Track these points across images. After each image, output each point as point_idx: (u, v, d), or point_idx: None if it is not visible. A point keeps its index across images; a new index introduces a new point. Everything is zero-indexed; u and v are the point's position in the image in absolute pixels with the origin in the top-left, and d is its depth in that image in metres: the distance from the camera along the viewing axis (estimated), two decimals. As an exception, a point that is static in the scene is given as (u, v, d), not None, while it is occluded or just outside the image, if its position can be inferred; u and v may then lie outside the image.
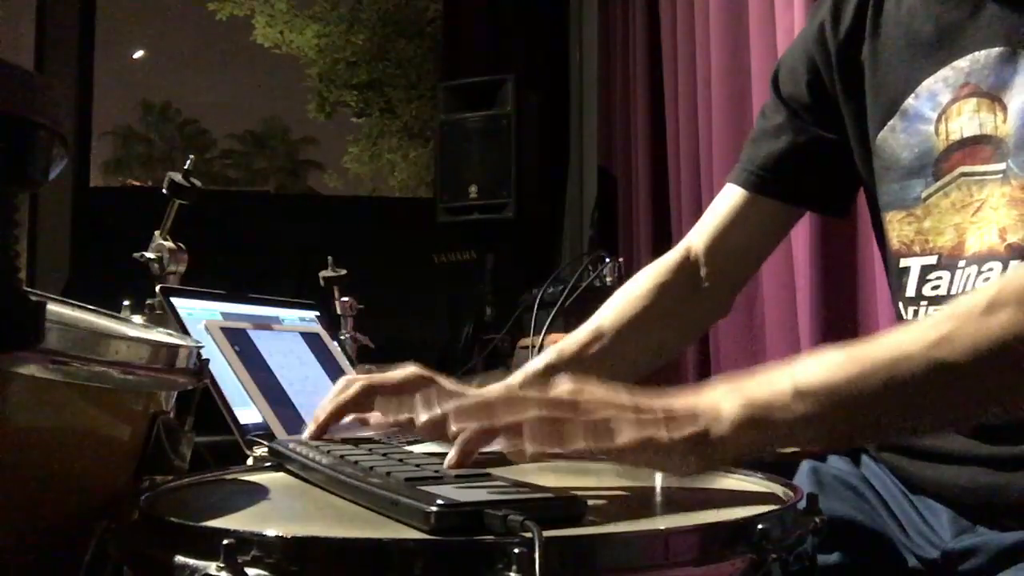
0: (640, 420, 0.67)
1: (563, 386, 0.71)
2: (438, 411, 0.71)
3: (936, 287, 0.90)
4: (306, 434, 0.90)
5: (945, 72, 0.90)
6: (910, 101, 0.93)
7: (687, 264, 1.12)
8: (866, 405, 0.67)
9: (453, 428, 0.69)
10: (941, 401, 0.68)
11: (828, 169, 1.06)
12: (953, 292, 0.88)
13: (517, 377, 1.00)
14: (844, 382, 0.67)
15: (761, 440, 0.68)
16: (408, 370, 0.95)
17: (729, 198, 1.11)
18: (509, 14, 4.21)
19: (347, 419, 0.91)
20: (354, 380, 0.92)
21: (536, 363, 1.03)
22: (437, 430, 0.73)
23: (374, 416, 0.91)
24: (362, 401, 0.91)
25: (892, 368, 0.67)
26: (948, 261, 0.89)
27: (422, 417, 0.72)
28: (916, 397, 0.67)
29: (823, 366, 0.69)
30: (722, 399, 0.69)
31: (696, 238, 1.13)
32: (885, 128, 0.95)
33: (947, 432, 0.87)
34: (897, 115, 0.94)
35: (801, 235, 2.02)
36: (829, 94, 1.03)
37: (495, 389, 0.73)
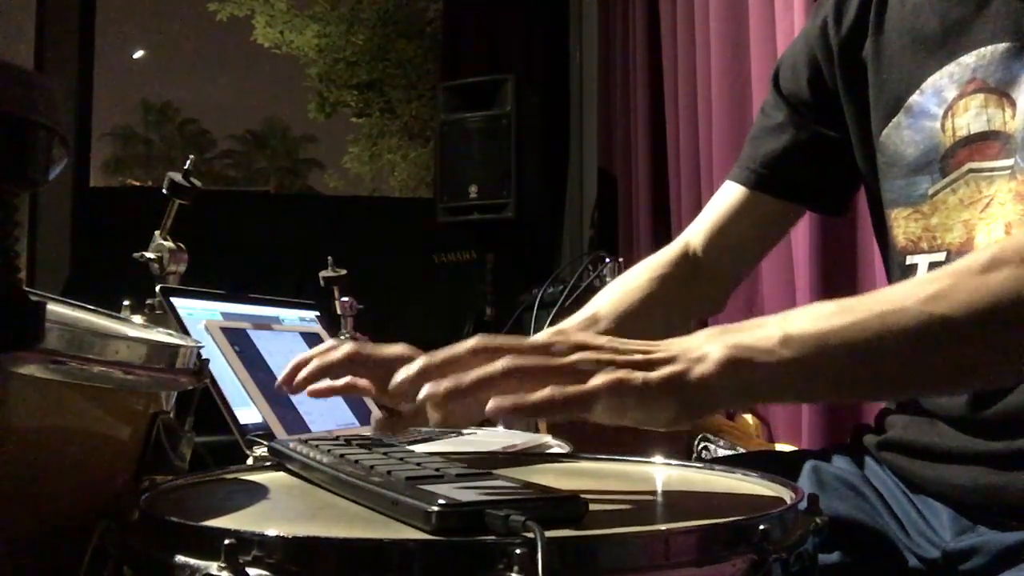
0: (615, 361, 0.65)
1: (540, 334, 0.69)
2: (411, 369, 0.68)
3: None
4: (278, 380, 0.87)
5: (951, 68, 0.90)
6: (915, 97, 0.93)
7: (684, 258, 1.12)
8: (855, 356, 0.66)
9: (420, 395, 0.66)
10: (933, 357, 0.67)
11: (828, 167, 1.06)
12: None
13: None
14: (833, 330, 0.66)
15: (744, 385, 0.66)
16: (397, 348, 0.92)
17: (728, 195, 1.11)
18: (509, 14, 4.22)
19: (323, 383, 0.86)
20: (341, 344, 0.88)
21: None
22: (410, 388, 0.69)
23: (360, 381, 0.88)
24: (345, 368, 0.87)
25: (884, 319, 0.65)
26: (957, 258, 0.88)
27: (397, 377, 0.69)
28: (908, 351, 0.66)
29: (814, 315, 0.67)
30: (705, 341, 0.67)
31: (694, 234, 1.13)
32: (889, 125, 0.95)
33: (949, 429, 0.87)
34: (902, 112, 0.94)
35: (801, 235, 2.02)
36: (830, 91, 1.03)
37: (470, 340, 0.69)
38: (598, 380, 0.63)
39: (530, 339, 0.68)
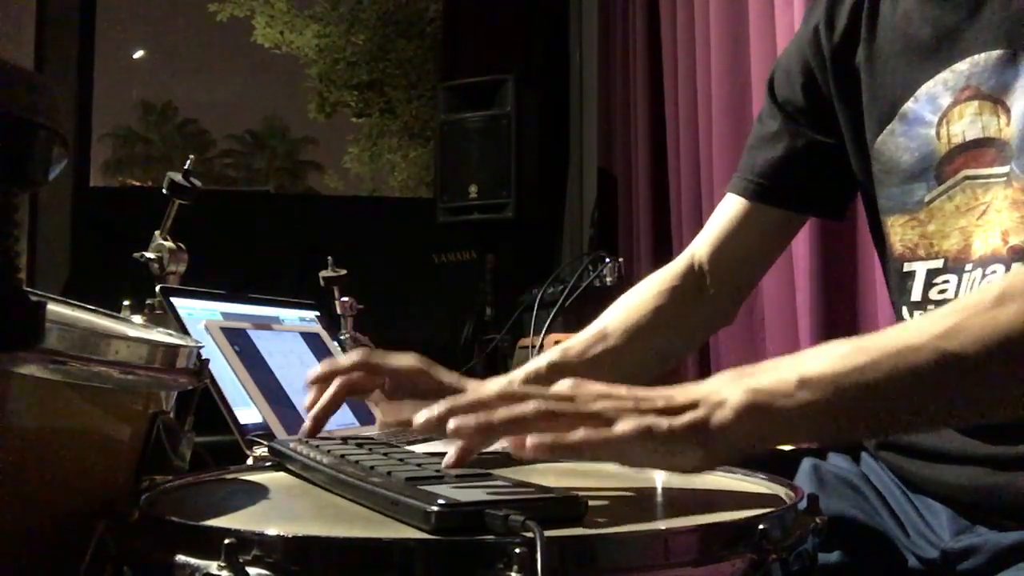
0: (639, 409, 0.66)
1: (562, 383, 0.70)
2: (435, 410, 0.70)
3: (943, 291, 0.89)
4: (304, 428, 0.90)
5: (944, 75, 0.90)
6: (909, 104, 0.92)
7: (691, 272, 1.12)
8: (871, 396, 0.66)
9: (450, 426, 0.68)
10: (947, 393, 0.67)
11: (826, 174, 1.06)
12: (960, 296, 0.88)
13: (519, 374, 1.00)
14: (849, 371, 0.66)
15: (764, 429, 0.67)
16: (407, 359, 0.94)
17: (730, 207, 1.11)
18: (509, 14, 4.22)
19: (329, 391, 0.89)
20: (350, 355, 0.92)
21: (539, 361, 1.03)
22: (434, 429, 0.72)
23: (376, 416, 0.91)
24: (356, 376, 0.90)
25: (898, 358, 0.66)
26: (954, 265, 0.89)
27: (419, 417, 0.71)
28: (922, 388, 0.67)
29: (828, 356, 0.68)
30: (724, 387, 0.68)
31: (699, 247, 1.13)
32: (884, 132, 0.95)
33: (948, 431, 0.87)
34: (896, 119, 0.93)
35: (801, 236, 2.01)
36: (824, 97, 1.03)
37: (493, 385, 0.72)
38: (627, 426, 0.65)
39: (553, 387, 0.70)
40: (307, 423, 0.90)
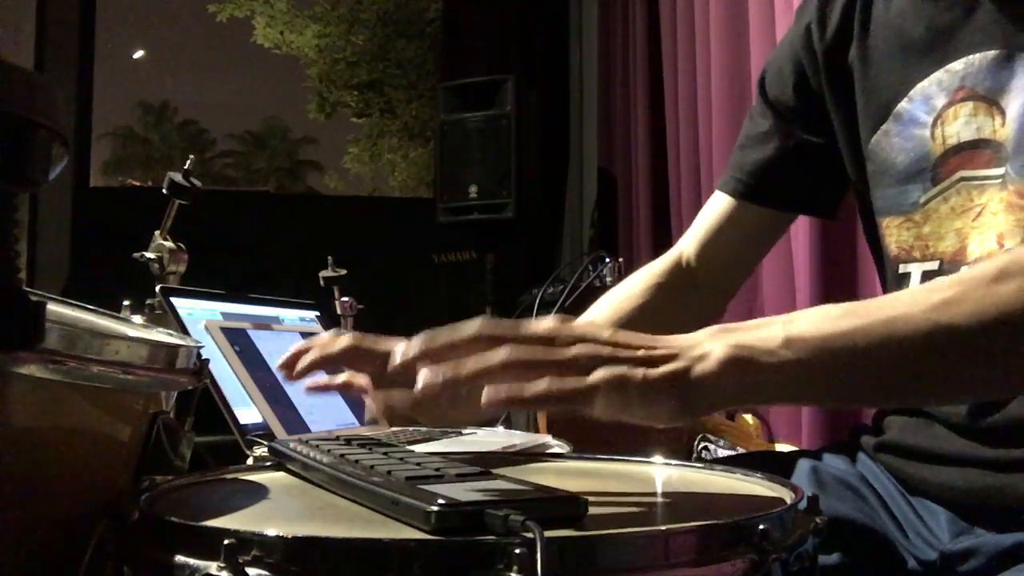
0: (616, 356, 0.64)
1: (544, 321, 0.67)
2: (410, 350, 0.67)
3: None
4: (277, 363, 0.86)
5: (939, 75, 0.89)
6: (903, 104, 0.92)
7: (679, 268, 1.12)
8: (859, 361, 0.65)
9: (417, 386, 0.65)
10: (938, 367, 0.66)
11: (816, 174, 1.05)
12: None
13: None
14: (837, 334, 0.65)
15: (745, 385, 0.65)
16: (398, 342, 0.92)
17: (718, 205, 1.11)
18: (509, 14, 4.22)
19: (321, 378, 0.86)
20: (341, 336, 0.87)
21: None
22: (408, 368, 0.68)
23: (358, 379, 0.87)
24: (345, 360, 0.86)
25: (889, 326, 0.65)
26: (950, 267, 0.88)
27: (395, 354, 0.68)
28: (912, 359, 0.65)
29: (818, 318, 0.67)
30: (707, 339, 0.66)
31: (687, 244, 1.13)
32: (878, 132, 0.94)
33: (946, 432, 0.87)
34: (890, 119, 0.93)
35: (801, 235, 2.02)
36: (816, 97, 1.02)
37: (471, 327, 0.68)
38: (598, 376, 0.63)
39: (533, 325, 0.67)
40: (289, 364, 0.84)
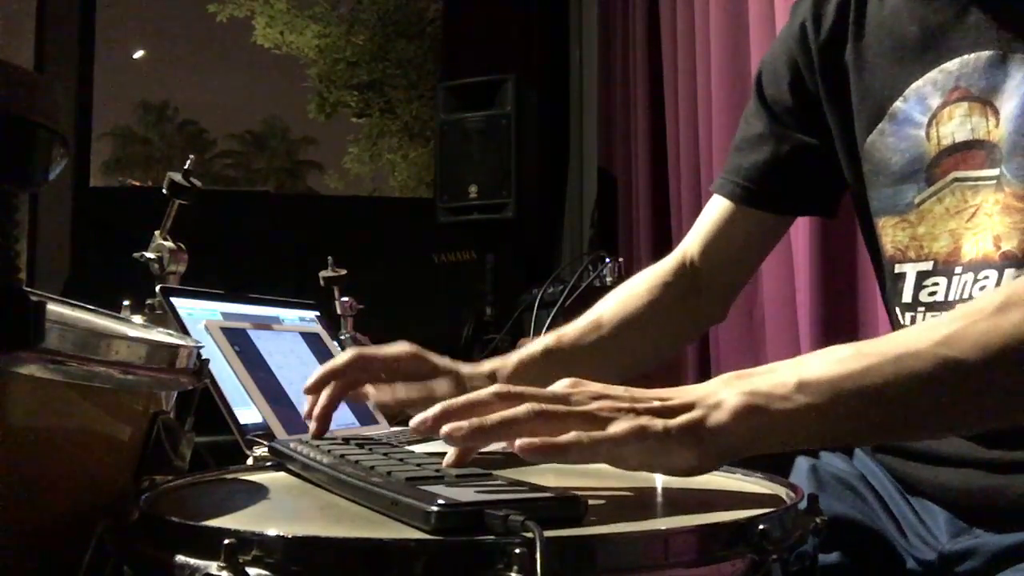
0: (635, 410, 0.66)
1: (559, 383, 0.70)
2: (431, 413, 0.70)
3: (933, 293, 0.89)
4: (309, 422, 0.91)
5: (934, 75, 0.89)
6: (898, 104, 0.92)
7: (683, 269, 1.12)
8: (870, 401, 0.66)
9: (444, 431, 0.67)
10: (947, 400, 0.67)
11: (812, 176, 1.05)
12: (951, 298, 0.87)
13: (514, 358, 1.00)
14: (848, 376, 0.66)
15: (760, 431, 0.67)
16: (399, 347, 0.95)
17: (716, 209, 1.11)
18: (509, 14, 4.22)
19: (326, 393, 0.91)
20: (343, 355, 0.93)
21: (534, 347, 1.03)
22: (430, 431, 0.71)
23: (369, 390, 0.91)
24: (351, 374, 0.91)
25: (898, 364, 0.66)
26: (944, 267, 0.88)
27: (415, 421, 0.71)
28: (922, 394, 0.66)
29: (828, 360, 0.68)
30: (721, 388, 0.68)
31: (690, 245, 1.13)
32: (873, 132, 0.94)
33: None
34: (885, 119, 0.93)
35: (801, 235, 2.02)
36: (812, 96, 1.02)
37: (487, 389, 0.71)
38: (621, 426, 0.65)
39: (550, 388, 0.69)
40: (312, 426, 0.90)
